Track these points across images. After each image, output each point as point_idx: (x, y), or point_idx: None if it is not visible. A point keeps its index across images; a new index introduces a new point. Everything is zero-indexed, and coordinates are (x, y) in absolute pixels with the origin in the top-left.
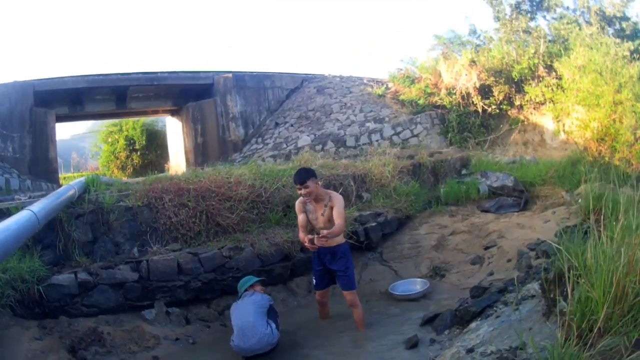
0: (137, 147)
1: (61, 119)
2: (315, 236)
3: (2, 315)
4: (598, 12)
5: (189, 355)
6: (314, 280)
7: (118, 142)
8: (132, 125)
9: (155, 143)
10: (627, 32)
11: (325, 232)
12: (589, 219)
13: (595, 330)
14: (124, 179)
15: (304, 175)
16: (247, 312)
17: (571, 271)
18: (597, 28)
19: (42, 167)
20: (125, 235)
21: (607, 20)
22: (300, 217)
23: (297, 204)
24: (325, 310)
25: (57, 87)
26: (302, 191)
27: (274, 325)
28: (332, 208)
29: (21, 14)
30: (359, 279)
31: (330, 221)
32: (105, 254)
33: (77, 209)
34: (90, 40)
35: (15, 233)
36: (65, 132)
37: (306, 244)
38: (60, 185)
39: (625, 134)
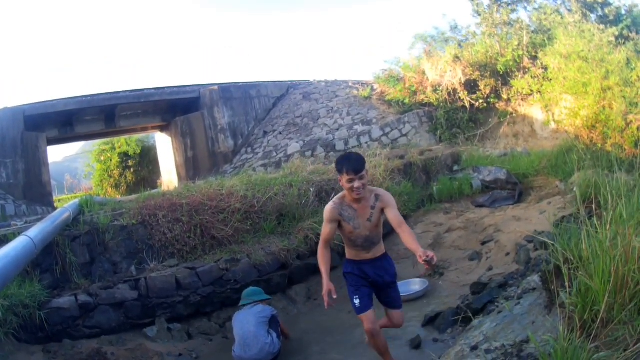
0: (130, 163)
1: (52, 142)
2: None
3: (6, 342)
4: None
5: None
6: (357, 301)
7: (111, 160)
8: (125, 141)
9: (148, 159)
10: (611, 18)
11: (430, 253)
12: (584, 207)
13: (598, 321)
14: (118, 197)
15: (361, 160)
16: (249, 322)
17: (567, 264)
18: (579, 15)
19: (36, 191)
20: (122, 254)
21: (588, 7)
22: (329, 228)
23: (330, 210)
24: (381, 337)
25: (46, 110)
26: (356, 183)
27: (274, 335)
28: (382, 210)
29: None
30: None
31: (377, 227)
32: (103, 274)
33: (73, 231)
34: (79, 46)
35: (14, 260)
36: (58, 154)
37: (326, 299)
38: (55, 208)
39: (616, 119)
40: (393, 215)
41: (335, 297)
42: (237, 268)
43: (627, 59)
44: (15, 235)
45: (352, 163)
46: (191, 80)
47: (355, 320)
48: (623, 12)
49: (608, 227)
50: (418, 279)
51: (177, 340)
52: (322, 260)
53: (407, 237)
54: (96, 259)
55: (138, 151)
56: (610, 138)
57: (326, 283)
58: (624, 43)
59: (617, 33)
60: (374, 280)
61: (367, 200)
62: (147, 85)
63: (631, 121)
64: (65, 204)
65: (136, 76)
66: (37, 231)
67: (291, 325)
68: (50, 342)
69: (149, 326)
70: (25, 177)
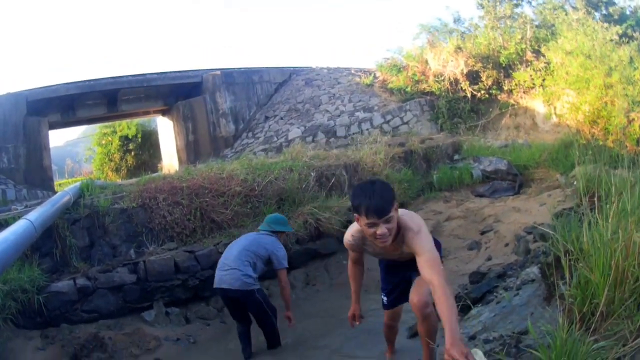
0: (131, 147)
1: (54, 126)
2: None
3: (4, 328)
4: None
5: (190, 355)
6: (385, 298)
7: (112, 143)
8: (126, 125)
9: (149, 143)
10: (615, 17)
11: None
12: (586, 200)
13: (597, 315)
14: (118, 181)
15: (388, 197)
16: (238, 246)
17: (567, 256)
18: (584, 13)
19: (37, 175)
20: (122, 237)
21: (593, 5)
22: (353, 254)
23: (349, 244)
24: (394, 331)
25: (48, 95)
26: (380, 229)
27: (253, 275)
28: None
29: (9, 25)
30: None
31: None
32: (102, 257)
33: (73, 215)
34: (79, 46)
35: (14, 243)
36: (59, 138)
37: (350, 322)
38: (55, 193)
39: (618, 116)
40: (425, 258)
41: (358, 323)
42: None
43: (630, 58)
44: (15, 219)
45: (374, 201)
46: (193, 66)
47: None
48: (628, 12)
49: (610, 220)
50: None
51: (175, 324)
52: (351, 277)
53: (440, 305)
54: (96, 243)
55: (139, 135)
56: (612, 134)
57: (353, 305)
58: (628, 42)
59: (621, 32)
60: (406, 275)
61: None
62: (150, 70)
63: (633, 119)
64: (65, 188)
65: (138, 62)
66: (37, 214)
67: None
68: (49, 327)
69: (147, 310)
70: (27, 162)
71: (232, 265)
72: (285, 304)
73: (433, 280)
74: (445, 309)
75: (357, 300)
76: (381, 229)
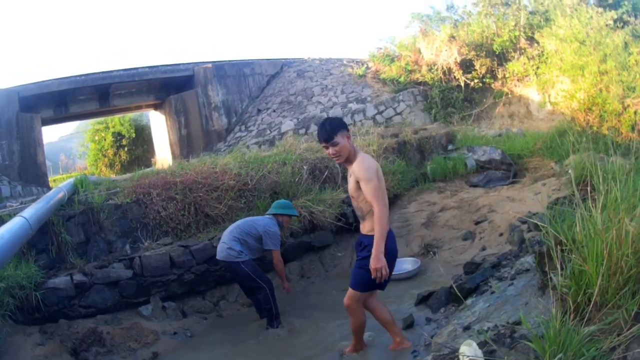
0: (124, 142)
1: (47, 122)
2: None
3: (3, 324)
4: None
5: (188, 348)
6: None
7: (105, 139)
8: (118, 121)
9: (142, 138)
10: (610, 2)
11: (376, 267)
12: (580, 190)
13: (591, 305)
14: (112, 176)
15: (329, 128)
16: (236, 225)
17: (559, 246)
18: None
19: (31, 172)
20: (117, 233)
21: None
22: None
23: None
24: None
25: (41, 91)
26: (329, 150)
27: (237, 249)
28: (357, 182)
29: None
30: (350, 261)
31: (356, 199)
32: (98, 253)
33: (67, 211)
34: (69, 40)
35: (10, 241)
36: (53, 134)
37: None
38: (50, 189)
39: (613, 103)
40: (364, 190)
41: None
42: None
43: (625, 43)
44: (10, 216)
45: (321, 131)
46: (185, 59)
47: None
48: None
49: (600, 209)
50: (410, 258)
51: (172, 318)
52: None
53: (374, 227)
54: (91, 239)
55: (132, 130)
56: (607, 121)
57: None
58: (623, 27)
59: (615, 17)
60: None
61: (351, 164)
62: (141, 63)
63: (628, 105)
64: (59, 184)
65: (129, 55)
66: (32, 211)
67: (283, 303)
68: (47, 323)
69: (143, 305)
70: (21, 158)
71: (222, 240)
72: (281, 279)
73: (374, 206)
74: (377, 230)
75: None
76: (330, 150)
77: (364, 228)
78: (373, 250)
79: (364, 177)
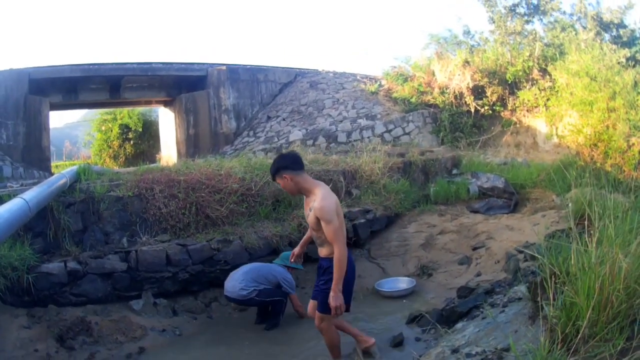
0: (130, 136)
1: (55, 107)
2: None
3: None
4: (595, 17)
5: (175, 346)
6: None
7: (112, 130)
8: (127, 113)
9: (149, 133)
10: (624, 39)
11: (333, 304)
12: (577, 224)
13: (579, 336)
14: (116, 168)
15: (272, 171)
16: (250, 266)
17: (553, 278)
18: (594, 34)
19: (35, 155)
20: (115, 225)
21: (604, 26)
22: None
23: None
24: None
25: (52, 75)
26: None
27: (256, 290)
28: (317, 217)
29: (18, 2)
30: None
31: (319, 230)
32: (94, 243)
33: (68, 198)
34: (85, 28)
35: (7, 221)
36: (59, 120)
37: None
38: (52, 174)
39: (618, 140)
40: (325, 230)
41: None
42: (229, 249)
43: (635, 82)
44: (10, 197)
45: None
46: (197, 58)
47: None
48: (638, 35)
49: (594, 244)
50: (406, 278)
51: (162, 315)
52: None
53: (334, 266)
54: (89, 228)
55: (139, 124)
56: (611, 158)
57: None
58: (634, 65)
59: (629, 55)
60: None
61: (309, 197)
62: (153, 59)
63: (633, 144)
64: (62, 170)
65: (143, 49)
66: (33, 194)
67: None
68: (35, 307)
69: (135, 299)
70: (25, 140)
71: (235, 279)
72: (298, 312)
73: (335, 247)
74: (336, 271)
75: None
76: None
77: (322, 252)
78: (332, 287)
79: (325, 219)
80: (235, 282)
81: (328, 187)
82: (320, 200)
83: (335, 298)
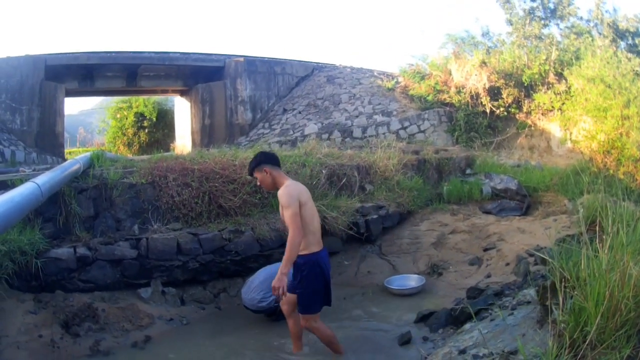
0: (145, 124)
1: (70, 93)
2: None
3: None
4: (611, 24)
5: (182, 336)
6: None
7: (127, 118)
8: (142, 102)
9: (164, 122)
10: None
11: (277, 286)
12: (588, 229)
13: (587, 342)
14: (130, 155)
15: (251, 166)
16: (266, 272)
17: (563, 282)
18: (609, 40)
19: (48, 140)
20: (127, 212)
21: (619, 34)
22: None
23: None
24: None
25: (68, 62)
26: (256, 180)
27: (272, 300)
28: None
29: None
30: (356, 271)
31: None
32: (105, 229)
33: (80, 184)
34: (103, 15)
35: (19, 205)
36: (74, 107)
37: None
38: (65, 160)
39: (631, 148)
40: (284, 215)
41: None
42: (240, 240)
43: None
44: (22, 181)
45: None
46: (213, 49)
47: (350, 304)
48: None
49: (606, 251)
50: (416, 275)
51: (170, 304)
52: None
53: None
54: (100, 214)
55: (154, 113)
56: (624, 166)
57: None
58: None
59: None
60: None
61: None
62: (169, 48)
63: None
64: (76, 157)
65: (159, 38)
66: (45, 179)
67: None
68: (42, 292)
69: (143, 287)
70: (39, 126)
71: (252, 289)
72: None
73: (289, 230)
74: (287, 252)
75: None
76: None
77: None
78: (279, 269)
79: (284, 204)
80: (254, 293)
81: (299, 182)
82: (283, 188)
83: (279, 279)
